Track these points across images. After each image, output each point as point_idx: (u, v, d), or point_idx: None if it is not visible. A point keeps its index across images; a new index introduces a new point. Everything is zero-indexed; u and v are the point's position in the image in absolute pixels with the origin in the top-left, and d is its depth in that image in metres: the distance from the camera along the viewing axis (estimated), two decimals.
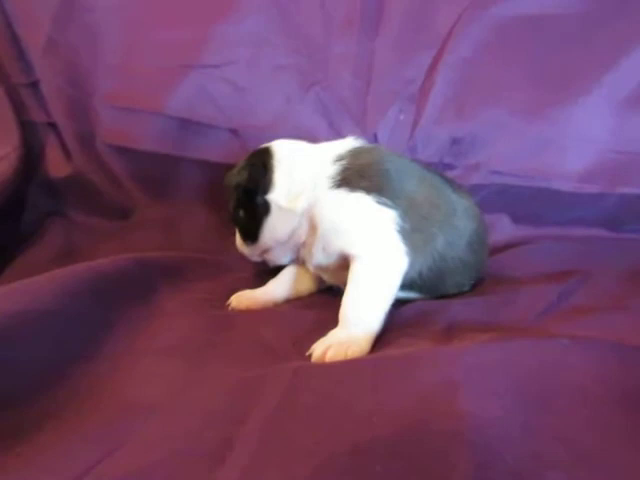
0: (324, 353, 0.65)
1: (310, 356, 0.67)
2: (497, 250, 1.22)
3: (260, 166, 0.88)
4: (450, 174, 1.37)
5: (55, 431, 0.51)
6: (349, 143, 0.88)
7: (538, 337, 0.67)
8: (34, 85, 1.36)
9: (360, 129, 1.39)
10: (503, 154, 1.38)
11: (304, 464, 0.39)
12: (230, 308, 0.87)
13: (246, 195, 0.88)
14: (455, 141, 1.39)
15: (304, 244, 0.87)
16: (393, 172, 0.82)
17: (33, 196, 1.36)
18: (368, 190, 0.78)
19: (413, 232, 0.78)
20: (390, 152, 0.92)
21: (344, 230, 0.78)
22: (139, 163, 1.36)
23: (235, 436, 0.43)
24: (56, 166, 1.38)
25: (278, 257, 0.95)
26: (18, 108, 1.34)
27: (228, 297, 0.90)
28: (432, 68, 1.39)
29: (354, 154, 0.84)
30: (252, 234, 0.90)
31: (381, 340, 0.71)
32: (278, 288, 0.92)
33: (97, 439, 0.47)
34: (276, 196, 0.86)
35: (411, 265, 0.78)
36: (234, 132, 1.35)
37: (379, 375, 0.52)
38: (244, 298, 0.89)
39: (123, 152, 1.36)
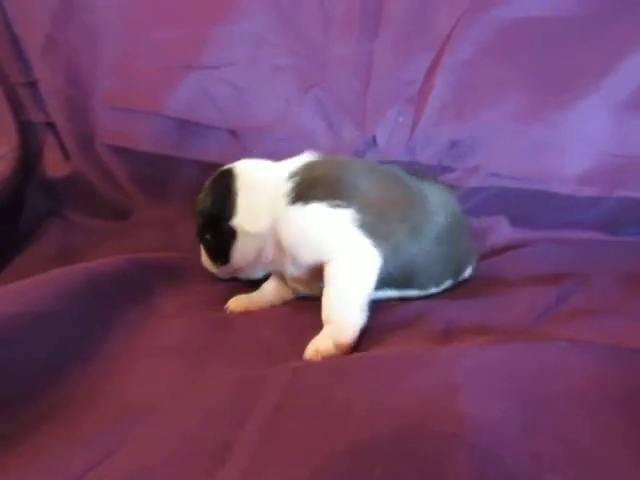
0: (314, 356, 0.67)
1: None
2: (495, 252, 1.22)
3: (223, 191, 0.88)
4: (449, 177, 1.38)
5: (54, 432, 0.51)
6: (304, 158, 0.89)
7: (537, 339, 0.67)
8: (33, 85, 1.36)
9: (359, 131, 1.39)
10: (502, 157, 1.39)
11: (303, 465, 0.39)
12: (228, 311, 0.87)
13: (211, 220, 0.89)
14: (454, 143, 1.40)
15: (273, 261, 0.88)
16: (345, 177, 0.83)
17: (31, 196, 1.36)
18: (321, 198, 0.79)
19: (374, 225, 0.79)
20: (347, 159, 0.94)
21: (308, 242, 0.79)
22: (138, 164, 1.36)
23: (234, 437, 0.43)
24: (54, 166, 1.38)
25: (250, 274, 0.96)
26: (16, 108, 1.34)
27: (226, 299, 0.89)
28: (431, 70, 1.39)
29: (307, 168, 0.85)
30: (221, 257, 0.92)
31: (379, 341, 0.71)
32: (275, 289, 0.92)
33: (96, 440, 0.47)
34: (240, 221, 0.86)
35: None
36: (233, 133, 1.35)
37: (378, 376, 0.52)
38: (242, 302, 0.89)
39: (122, 152, 1.36)
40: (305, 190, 0.81)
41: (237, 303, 0.88)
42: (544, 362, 0.57)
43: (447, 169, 1.40)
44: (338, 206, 0.78)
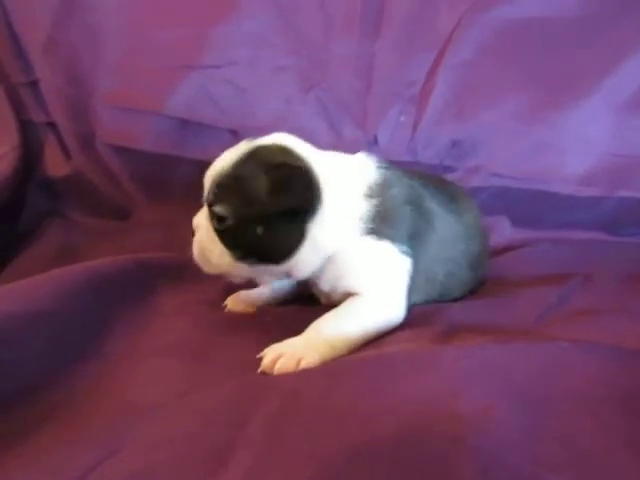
0: (274, 362, 0.62)
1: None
2: (496, 252, 1.23)
3: (306, 182, 0.73)
4: (450, 176, 1.38)
5: (55, 432, 0.51)
6: (373, 170, 0.81)
7: (538, 340, 0.67)
8: (34, 84, 1.36)
9: (360, 130, 1.39)
10: (503, 157, 1.39)
11: (306, 466, 0.39)
12: (227, 310, 0.87)
13: (280, 214, 0.72)
14: (455, 143, 1.40)
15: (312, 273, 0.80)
16: (415, 215, 0.81)
17: (32, 195, 1.36)
18: (393, 239, 0.77)
19: (419, 278, 0.81)
20: (410, 179, 0.86)
21: (362, 275, 0.77)
22: (138, 163, 1.35)
23: (237, 438, 0.43)
24: (55, 166, 1.37)
25: (269, 279, 0.87)
26: (17, 107, 1.33)
27: (227, 298, 0.89)
28: (433, 70, 1.39)
29: (384, 187, 0.80)
30: (266, 256, 0.75)
31: (381, 342, 0.71)
32: (273, 290, 0.91)
33: (98, 440, 0.47)
34: (325, 228, 0.74)
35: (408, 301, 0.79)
36: (234, 133, 1.35)
37: (380, 377, 0.52)
38: (240, 300, 0.88)
39: (122, 152, 1.36)
40: (380, 224, 0.77)
41: (236, 301, 0.88)
42: (545, 362, 0.57)
43: (448, 169, 1.40)
44: (404, 252, 0.77)
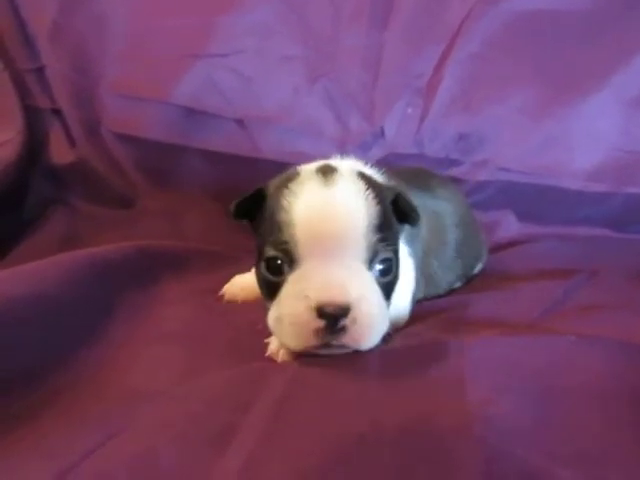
0: (279, 348, 0.61)
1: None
2: (502, 247, 1.22)
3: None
4: (456, 170, 1.37)
5: (56, 416, 0.51)
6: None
7: (545, 333, 0.66)
8: (39, 71, 1.36)
9: (367, 122, 1.38)
10: (510, 151, 1.38)
11: (309, 452, 0.39)
12: (225, 299, 0.85)
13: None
14: (462, 137, 1.39)
15: None
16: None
17: (36, 182, 1.36)
18: (413, 256, 0.77)
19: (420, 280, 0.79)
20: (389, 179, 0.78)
21: None
22: (144, 152, 1.35)
23: (239, 423, 0.42)
24: (60, 153, 1.37)
25: None
26: (22, 94, 1.33)
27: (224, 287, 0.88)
28: (441, 63, 1.38)
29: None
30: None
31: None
32: None
33: (99, 424, 0.47)
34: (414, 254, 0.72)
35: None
36: (240, 122, 1.35)
37: (386, 367, 0.52)
38: (238, 288, 0.87)
39: (128, 140, 1.36)
40: (407, 235, 0.75)
41: (233, 290, 0.86)
42: (552, 356, 0.57)
43: (455, 162, 1.39)
44: (411, 255, 0.76)
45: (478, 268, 1.03)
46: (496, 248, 1.20)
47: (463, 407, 0.45)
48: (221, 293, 0.86)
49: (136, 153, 1.36)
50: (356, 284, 0.56)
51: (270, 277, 0.60)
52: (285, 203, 0.59)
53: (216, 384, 0.51)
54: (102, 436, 0.43)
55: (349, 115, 1.38)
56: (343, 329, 0.54)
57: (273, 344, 0.62)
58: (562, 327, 0.70)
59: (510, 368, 0.54)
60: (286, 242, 0.57)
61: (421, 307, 0.80)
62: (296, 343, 0.56)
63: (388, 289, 0.62)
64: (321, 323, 0.53)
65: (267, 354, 0.61)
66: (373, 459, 0.38)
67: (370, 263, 0.59)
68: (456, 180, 1.32)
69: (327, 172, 0.63)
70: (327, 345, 0.55)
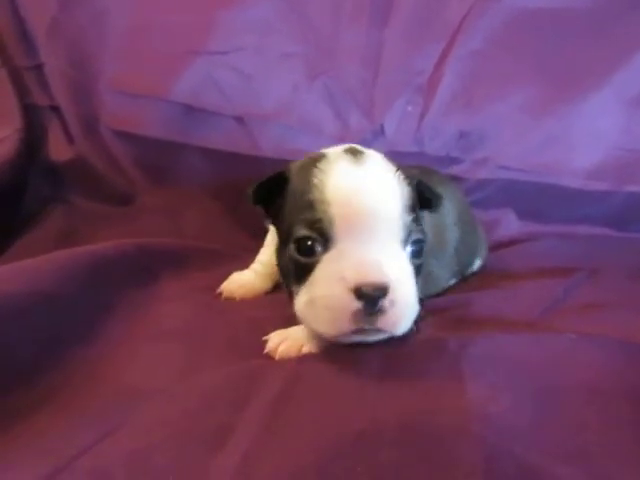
0: (277, 345, 0.61)
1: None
2: (502, 246, 1.22)
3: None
4: (457, 168, 1.37)
5: (54, 413, 0.51)
6: None
7: (545, 332, 0.66)
8: (38, 68, 1.35)
9: (367, 120, 1.38)
10: (511, 149, 1.38)
11: (308, 450, 0.38)
12: (223, 297, 0.85)
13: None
14: (462, 134, 1.38)
15: None
16: None
17: (35, 179, 1.35)
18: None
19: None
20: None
21: None
22: (142, 149, 1.35)
23: (237, 420, 0.42)
24: (58, 150, 1.37)
25: None
26: (21, 91, 1.32)
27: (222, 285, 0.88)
28: (441, 60, 1.38)
29: None
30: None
31: None
32: (267, 276, 0.89)
33: (95, 421, 0.47)
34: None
35: None
36: (239, 120, 1.34)
37: (385, 365, 0.52)
38: (236, 286, 0.86)
39: (126, 137, 1.35)
40: None
41: (230, 289, 0.86)
42: (552, 353, 0.57)
43: (455, 160, 1.38)
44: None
45: (477, 265, 1.02)
46: (496, 246, 1.20)
47: (462, 405, 0.45)
48: (219, 291, 0.86)
49: (135, 150, 1.35)
50: (394, 265, 0.55)
51: (301, 258, 0.58)
52: (317, 181, 0.58)
53: (214, 381, 0.51)
54: (99, 433, 0.43)
55: (349, 113, 1.37)
56: (381, 311, 0.52)
57: (272, 341, 0.62)
58: (562, 325, 0.70)
59: (510, 366, 0.54)
60: (320, 220, 0.56)
61: (421, 306, 0.80)
62: (330, 328, 0.54)
63: (417, 272, 0.61)
64: (359, 305, 0.51)
65: (265, 351, 0.61)
66: (372, 457, 0.38)
67: (404, 244, 0.58)
68: (456, 178, 1.32)
69: (355, 153, 0.62)
70: (361, 331, 0.53)
